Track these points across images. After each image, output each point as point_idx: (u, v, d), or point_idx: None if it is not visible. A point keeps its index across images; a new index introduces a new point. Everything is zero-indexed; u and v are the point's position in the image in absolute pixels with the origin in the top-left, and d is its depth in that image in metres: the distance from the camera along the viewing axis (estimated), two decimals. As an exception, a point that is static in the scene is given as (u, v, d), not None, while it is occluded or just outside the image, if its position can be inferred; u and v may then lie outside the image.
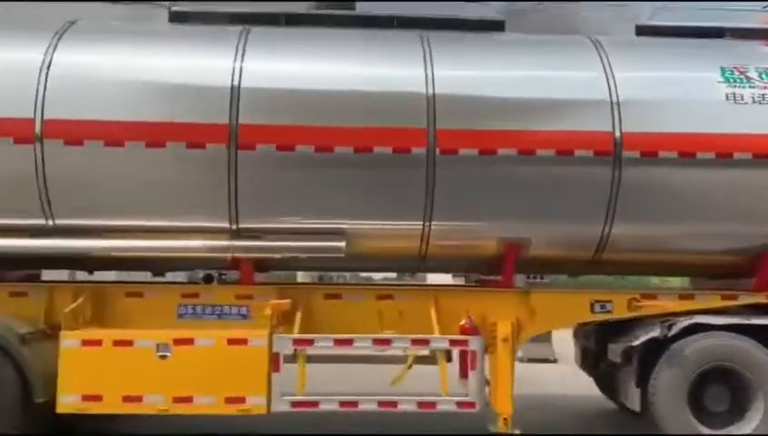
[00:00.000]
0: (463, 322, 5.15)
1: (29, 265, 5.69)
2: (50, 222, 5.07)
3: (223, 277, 6.06)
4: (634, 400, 5.24)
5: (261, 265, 5.62)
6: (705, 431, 5.09)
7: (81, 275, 6.21)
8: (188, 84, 5.04)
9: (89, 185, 5.02)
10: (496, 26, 5.78)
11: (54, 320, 5.20)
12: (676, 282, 8.67)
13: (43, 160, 4.89)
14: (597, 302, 5.51)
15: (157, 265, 5.83)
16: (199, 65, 5.16)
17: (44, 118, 4.89)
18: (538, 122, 5.12)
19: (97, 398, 4.69)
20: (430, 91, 5.07)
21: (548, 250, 5.47)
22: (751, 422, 5.08)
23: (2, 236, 5.06)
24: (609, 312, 5.51)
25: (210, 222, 5.17)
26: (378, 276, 8.78)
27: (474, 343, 4.90)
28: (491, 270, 5.70)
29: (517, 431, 5.09)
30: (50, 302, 5.27)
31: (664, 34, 5.85)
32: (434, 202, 5.09)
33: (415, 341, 4.95)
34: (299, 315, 5.14)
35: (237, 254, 5.20)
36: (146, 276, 6.22)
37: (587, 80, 5.27)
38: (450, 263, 5.69)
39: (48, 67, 4.96)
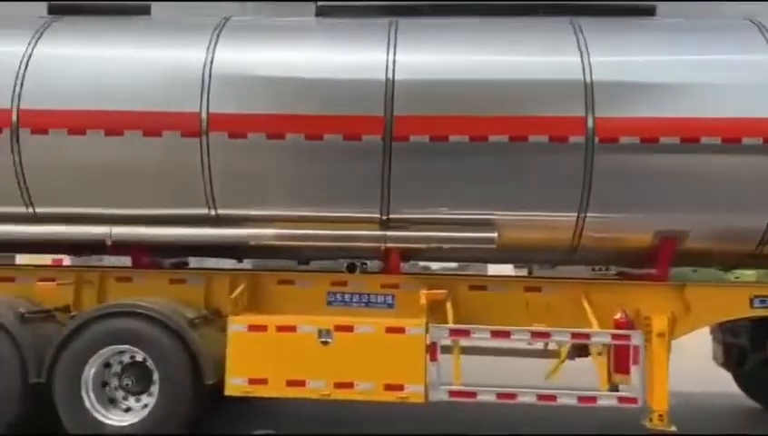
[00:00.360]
0: (618, 316, 5.03)
1: (185, 253, 5.97)
2: (212, 212, 5.29)
3: (365, 266, 6.16)
4: (803, 400, 4.98)
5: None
6: None
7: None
8: (344, 77, 5.12)
9: (250, 176, 5.20)
10: (647, 12, 5.58)
11: (212, 305, 5.46)
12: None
13: (208, 152, 5.10)
14: (757, 296, 5.26)
15: (305, 254, 5.98)
16: (353, 59, 5.23)
17: (210, 112, 5.09)
18: (703, 108, 4.90)
19: (263, 381, 4.87)
20: (588, 78, 4.95)
21: (705, 243, 5.25)
22: None
23: (168, 226, 5.32)
24: (771, 307, 5.26)
25: (361, 212, 5.25)
26: (435, 266, 8.54)
27: (636, 338, 4.77)
28: (641, 262, 5.54)
29: (674, 428, 4.93)
30: (208, 289, 5.52)
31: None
32: (590, 192, 4.97)
33: (575, 335, 4.87)
34: (449, 305, 5.15)
35: (390, 244, 5.25)
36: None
37: (755, 63, 5.01)
38: (599, 256, 5.56)
39: (211, 64, 5.16)
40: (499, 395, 4.83)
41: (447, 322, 5.00)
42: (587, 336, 4.88)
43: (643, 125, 4.92)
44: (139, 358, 5.03)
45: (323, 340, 4.86)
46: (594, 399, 4.79)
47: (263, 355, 4.90)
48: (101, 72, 5.24)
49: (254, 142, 5.09)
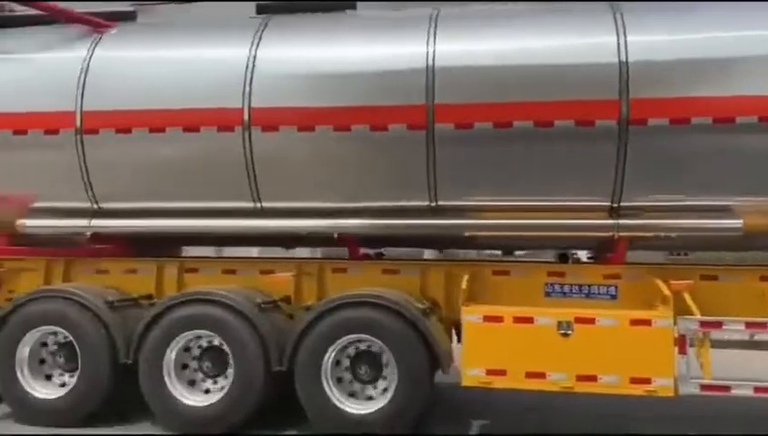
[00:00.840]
0: None
1: (400, 244, 6.04)
2: (432, 203, 5.31)
3: (574, 256, 6.02)
4: None
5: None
6: None
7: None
8: (574, 62, 4.99)
9: (476, 166, 5.15)
10: None
11: (427, 295, 5.48)
12: None
13: (434, 144, 5.11)
14: None
15: (513, 244, 5.91)
16: (581, 43, 5.07)
17: (435, 103, 5.09)
18: None
19: (501, 372, 4.83)
20: None
21: None
22: None
23: (388, 218, 5.38)
24: None
25: (590, 201, 5.12)
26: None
27: None
28: None
29: None
30: (424, 279, 5.54)
31: None
32: None
33: None
34: (687, 296, 4.93)
35: (622, 233, 5.09)
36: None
37: None
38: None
39: (433, 56, 5.14)
40: (757, 389, 4.58)
41: (689, 314, 4.79)
42: None
43: None
44: (363, 346, 5.13)
45: (563, 332, 4.76)
46: None
47: (500, 346, 4.86)
48: (324, 70, 5.35)
49: (481, 131, 5.05)
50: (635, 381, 4.66)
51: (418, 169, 5.20)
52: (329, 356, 5.06)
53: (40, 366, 5.58)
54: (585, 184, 5.08)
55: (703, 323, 4.68)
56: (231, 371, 5.19)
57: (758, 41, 4.86)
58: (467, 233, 5.41)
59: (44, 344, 5.60)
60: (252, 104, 5.33)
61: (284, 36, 5.59)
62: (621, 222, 5.05)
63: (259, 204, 5.53)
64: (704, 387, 4.62)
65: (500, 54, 5.13)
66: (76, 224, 5.83)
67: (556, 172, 5.08)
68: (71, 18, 5.97)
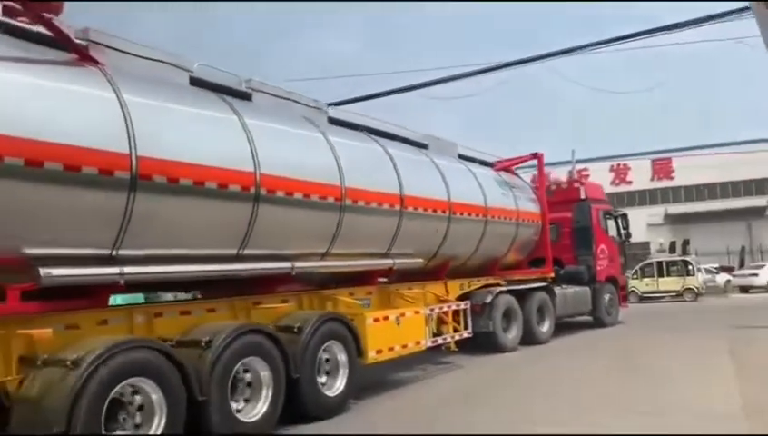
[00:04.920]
0: None
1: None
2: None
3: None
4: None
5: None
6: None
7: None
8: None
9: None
10: None
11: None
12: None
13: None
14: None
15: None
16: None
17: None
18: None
19: (380, 351, 8.17)
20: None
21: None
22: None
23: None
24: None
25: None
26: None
27: None
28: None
29: None
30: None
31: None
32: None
33: None
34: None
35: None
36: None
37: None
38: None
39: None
40: (445, 341, 9.72)
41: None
42: None
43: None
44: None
45: (398, 322, 8.56)
46: None
47: (379, 334, 8.15)
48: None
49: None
50: (416, 343, 8.98)
51: None
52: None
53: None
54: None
55: (431, 309, 9.49)
56: None
57: None
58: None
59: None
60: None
61: None
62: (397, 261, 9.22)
63: None
64: (432, 342, 9.42)
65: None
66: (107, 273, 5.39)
67: None
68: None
